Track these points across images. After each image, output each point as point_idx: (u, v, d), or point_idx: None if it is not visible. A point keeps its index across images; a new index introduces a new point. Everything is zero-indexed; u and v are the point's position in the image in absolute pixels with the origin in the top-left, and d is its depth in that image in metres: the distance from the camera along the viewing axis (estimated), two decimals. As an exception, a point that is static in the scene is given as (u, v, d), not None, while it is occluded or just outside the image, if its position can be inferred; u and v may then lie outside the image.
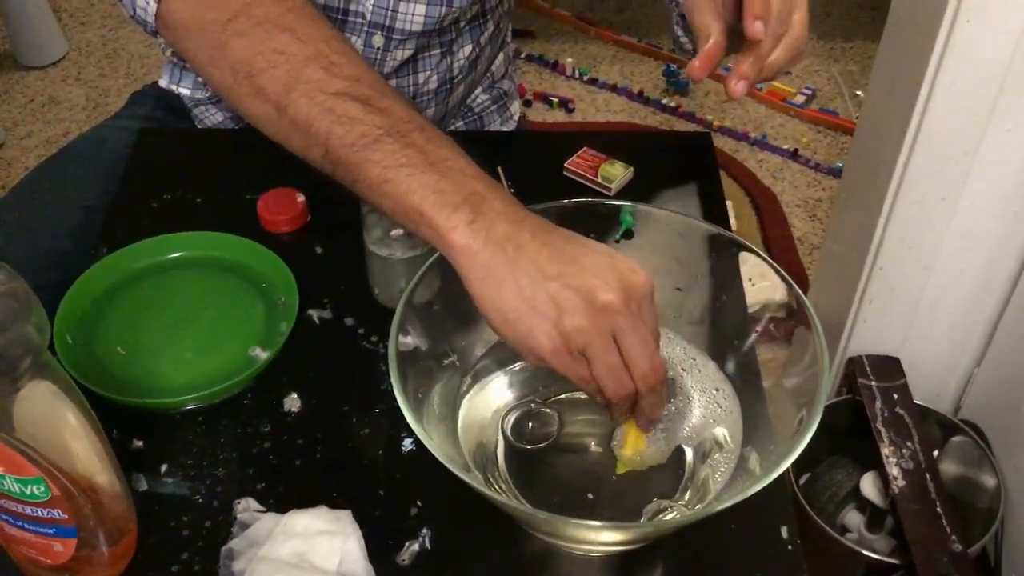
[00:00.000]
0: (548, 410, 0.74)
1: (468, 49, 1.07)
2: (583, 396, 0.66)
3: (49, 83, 2.46)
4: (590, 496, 0.70)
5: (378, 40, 0.99)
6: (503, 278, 0.60)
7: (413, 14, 0.97)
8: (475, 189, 0.63)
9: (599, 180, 0.96)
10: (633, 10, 2.69)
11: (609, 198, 0.94)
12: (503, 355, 0.76)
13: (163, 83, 1.05)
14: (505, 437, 0.72)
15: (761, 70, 0.71)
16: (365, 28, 0.98)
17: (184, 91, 1.08)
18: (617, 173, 0.96)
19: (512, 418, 0.73)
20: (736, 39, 0.71)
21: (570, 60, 2.51)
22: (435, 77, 1.06)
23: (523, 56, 2.54)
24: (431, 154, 0.65)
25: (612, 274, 0.60)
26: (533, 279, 0.60)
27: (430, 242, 0.64)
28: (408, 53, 1.01)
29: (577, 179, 0.97)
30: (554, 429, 0.73)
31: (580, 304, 0.59)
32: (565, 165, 0.98)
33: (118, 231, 0.91)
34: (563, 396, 0.75)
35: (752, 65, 0.70)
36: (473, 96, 1.18)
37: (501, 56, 1.19)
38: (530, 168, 0.99)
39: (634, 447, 0.69)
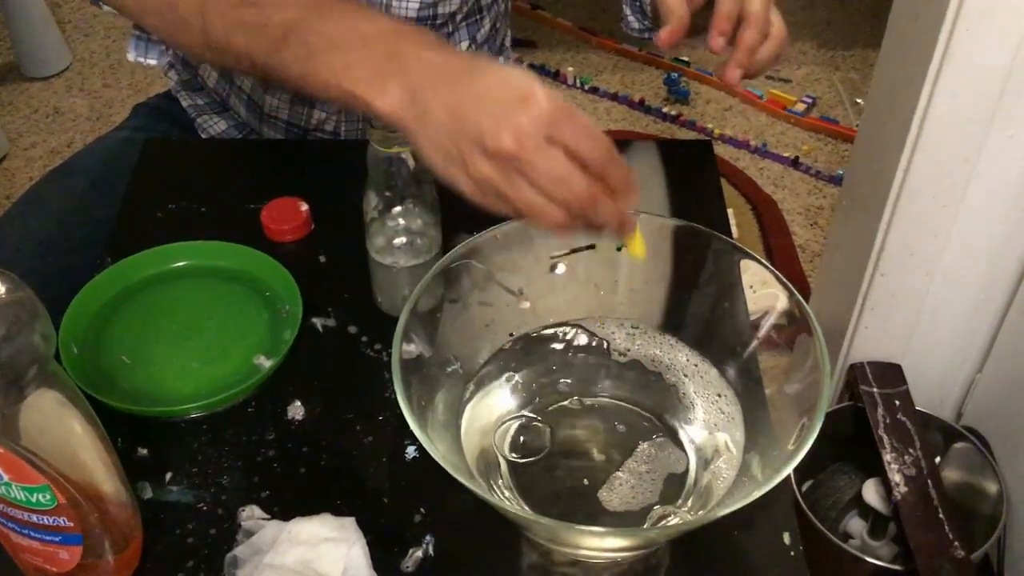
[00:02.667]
0: (540, 424, 0.74)
1: (464, 45, 1.08)
2: (570, 407, 0.67)
3: (53, 94, 2.47)
4: (593, 502, 0.70)
5: None
6: (422, 136, 0.63)
7: (408, 3, 0.98)
8: (378, 53, 0.66)
9: None
10: (634, 19, 2.69)
11: None
12: (506, 362, 0.76)
13: (130, 56, 1.05)
14: (498, 451, 0.72)
15: (751, 62, 0.77)
16: None
17: (152, 62, 1.08)
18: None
19: (506, 431, 0.73)
20: (703, 18, 0.76)
21: (571, 69, 2.52)
22: None
23: (525, 65, 2.55)
24: (333, 32, 0.68)
25: (502, 116, 0.60)
26: (439, 133, 0.62)
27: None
28: None
29: None
30: (546, 441, 0.73)
31: (478, 153, 0.61)
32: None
33: (123, 241, 0.91)
34: (555, 407, 0.75)
35: (745, 56, 0.76)
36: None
37: (501, 60, 1.20)
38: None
39: (640, 242, 0.69)
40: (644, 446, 0.72)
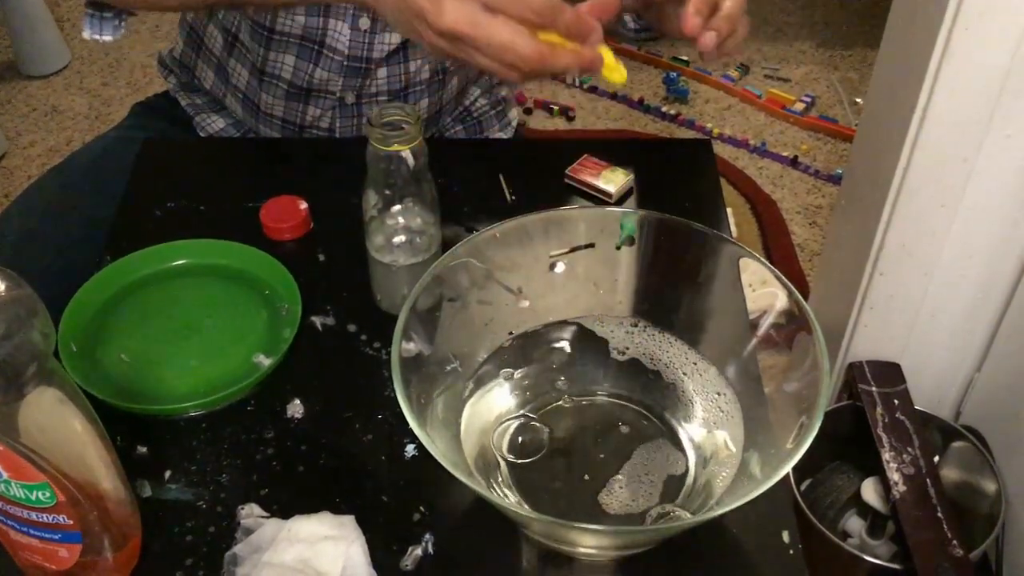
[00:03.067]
0: (538, 423, 0.74)
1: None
2: (569, 406, 0.67)
3: (52, 92, 2.47)
4: (592, 503, 0.70)
5: (364, 22, 1.00)
6: (381, 9, 0.73)
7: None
8: None
9: (600, 187, 0.96)
10: (633, 18, 2.69)
11: (610, 205, 0.95)
12: (505, 360, 0.76)
13: (86, 35, 1.05)
14: (497, 452, 0.72)
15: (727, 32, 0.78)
16: (351, 11, 0.99)
17: (107, 38, 1.08)
18: (618, 180, 0.96)
19: (505, 431, 0.73)
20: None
21: (570, 68, 2.52)
22: (427, 67, 1.06)
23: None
24: None
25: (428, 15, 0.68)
26: (394, 10, 0.72)
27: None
28: (398, 39, 1.02)
29: (578, 186, 0.97)
30: (545, 441, 0.73)
31: (426, 29, 0.69)
32: (566, 172, 0.98)
33: (122, 240, 0.91)
34: (554, 406, 0.75)
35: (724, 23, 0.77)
36: (472, 100, 1.19)
37: None
38: (530, 176, 0.99)
39: (615, 68, 0.71)
40: (642, 449, 0.72)
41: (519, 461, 0.71)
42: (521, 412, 0.75)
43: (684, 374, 0.75)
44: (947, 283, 1.30)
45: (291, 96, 1.07)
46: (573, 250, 0.77)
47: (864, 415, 1.33)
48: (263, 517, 0.70)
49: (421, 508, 0.71)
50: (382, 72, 1.04)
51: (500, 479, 0.70)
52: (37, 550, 0.63)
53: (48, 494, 0.59)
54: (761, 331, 0.72)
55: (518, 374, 0.76)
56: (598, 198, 0.96)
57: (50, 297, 0.60)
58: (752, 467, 0.67)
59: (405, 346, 0.67)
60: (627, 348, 0.77)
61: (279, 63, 1.04)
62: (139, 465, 0.74)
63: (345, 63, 1.02)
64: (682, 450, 0.72)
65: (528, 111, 2.40)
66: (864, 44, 2.60)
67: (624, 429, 0.74)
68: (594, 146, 1.01)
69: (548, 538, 0.68)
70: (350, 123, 1.10)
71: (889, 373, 1.37)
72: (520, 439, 0.73)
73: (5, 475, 0.57)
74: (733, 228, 2.05)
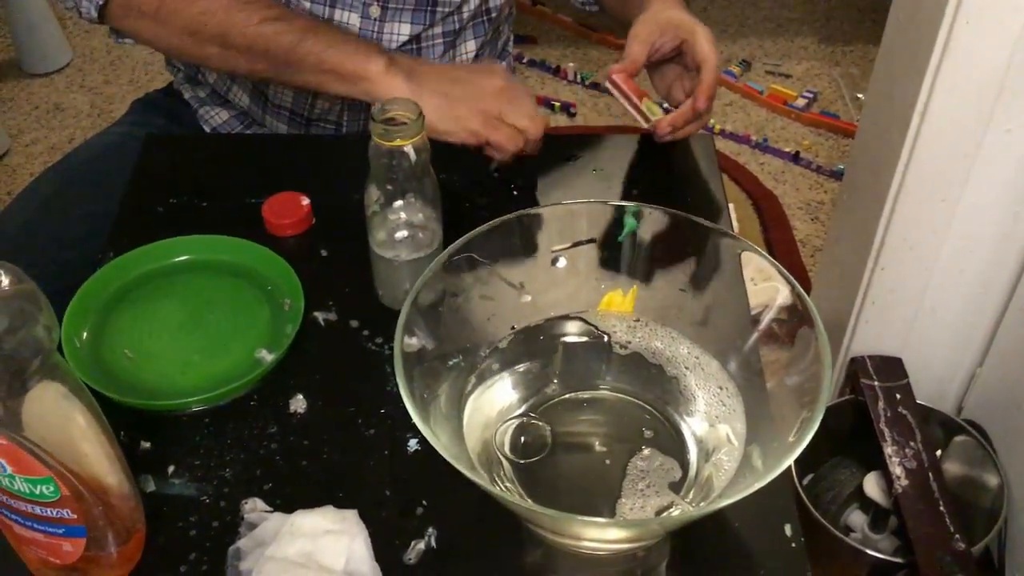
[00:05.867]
0: (540, 422, 0.74)
1: (471, 44, 1.08)
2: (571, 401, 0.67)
3: (54, 90, 2.47)
4: (595, 495, 0.70)
5: (375, 11, 1.00)
6: (420, 98, 0.81)
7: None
8: (380, 48, 0.93)
9: (643, 110, 0.95)
10: (634, 14, 2.69)
11: (641, 131, 0.96)
12: (508, 355, 0.76)
13: (114, 39, 1.05)
14: (501, 452, 0.72)
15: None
16: (361, 0, 0.99)
17: (130, 41, 1.09)
18: (657, 113, 0.96)
19: (506, 431, 0.73)
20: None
21: (571, 65, 2.52)
22: None
23: (525, 61, 2.55)
24: (340, 34, 0.94)
25: (487, 87, 0.93)
26: (436, 96, 0.90)
27: (366, 94, 0.91)
28: (406, 28, 1.02)
29: (619, 94, 0.96)
30: (547, 440, 0.73)
31: (474, 113, 0.91)
32: (611, 75, 0.97)
33: (125, 236, 0.91)
34: (556, 401, 0.75)
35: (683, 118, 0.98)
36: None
37: (503, 64, 1.21)
38: (530, 172, 0.99)
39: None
40: (644, 443, 0.72)
41: (522, 461, 0.71)
42: (523, 411, 0.75)
43: (686, 368, 0.75)
44: (949, 278, 1.30)
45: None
46: (575, 244, 0.77)
47: (866, 410, 1.33)
48: (266, 512, 0.70)
49: (424, 502, 0.71)
50: None
51: (503, 472, 0.70)
52: (41, 544, 0.63)
53: (52, 489, 0.59)
54: (763, 325, 0.72)
55: (520, 369, 0.76)
56: (633, 118, 0.96)
57: (53, 293, 0.60)
58: (754, 461, 0.67)
59: (407, 341, 0.67)
60: (629, 342, 0.77)
61: None
62: (143, 460, 0.74)
63: None
64: (684, 444, 0.72)
65: (529, 107, 2.39)
66: (866, 40, 2.59)
67: (626, 423, 0.74)
68: (597, 141, 1.01)
69: (550, 532, 0.68)
70: (357, 117, 1.10)
71: (891, 368, 1.37)
72: (523, 438, 0.73)
73: (9, 470, 0.58)
74: (735, 224, 2.05)
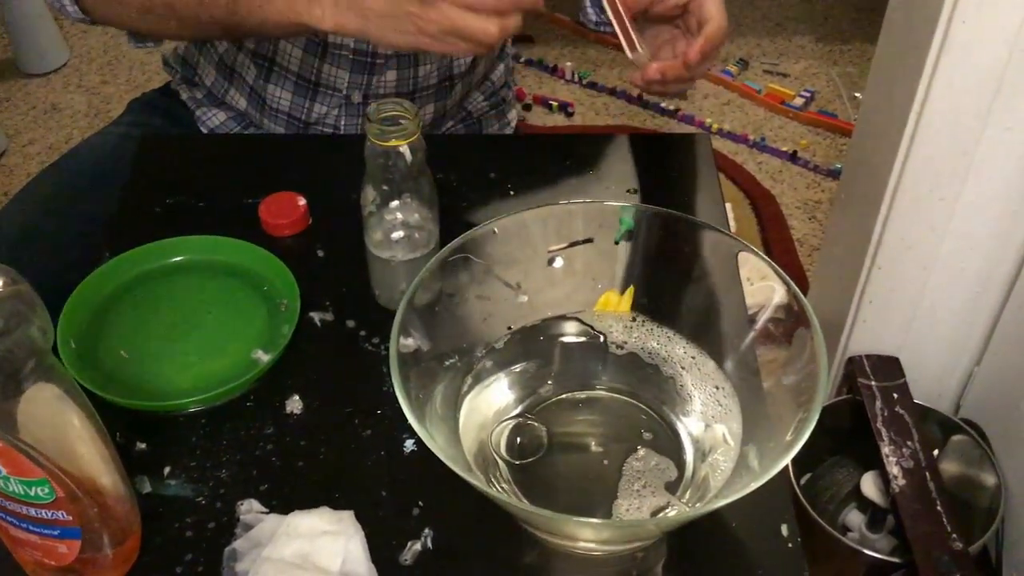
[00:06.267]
0: (536, 423, 0.74)
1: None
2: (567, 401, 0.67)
3: (51, 90, 2.47)
4: (591, 495, 0.70)
5: None
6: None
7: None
8: None
9: (634, 38, 0.89)
10: (632, 14, 2.69)
11: (630, 55, 0.91)
12: (504, 355, 0.76)
13: (132, 46, 1.06)
14: (497, 453, 0.72)
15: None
16: None
17: (150, 45, 1.09)
18: (647, 54, 0.90)
19: (503, 432, 0.73)
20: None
21: (569, 64, 2.52)
22: (436, 73, 1.06)
23: (523, 60, 2.55)
24: None
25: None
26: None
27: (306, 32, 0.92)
28: None
29: (611, 14, 0.88)
30: (543, 441, 0.73)
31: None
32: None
33: (121, 236, 0.91)
34: (552, 401, 0.75)
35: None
36: (471, 100, 1.19)
37: (501, 67, 1.21)
38: (529, 171, 0.99)
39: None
40: (640, 444, 0.72)
41: (518, 462, 0.71)
42: (519, 411, 0.75)
43: (682, 368, 0.75)
44: (946, 277, 1.30)
45: (298, 90, 1.07)
46: (572, 245, 0.77)
47: (863, 409, 1.33)
48: (262, 513, 0.70)
49: (420, 503, 0.71)
50: (391, 75, 1.05)
51: (499, 473, 0.70)
52: (36, 546, 0.63)
53: (47, 490, 0.59)
54: (759, 325, 0.72)
55: (516, 369, 0.76)
56: (623, 49, 0.91)
57: (49, 293, 0.60)
58: (751, 460, 0.67)
59: (403, 342, 0.67)
60: (625, 342, 0.77)
61: (288, 54, 1.04)
62: (138, 461, 0.74)
63: (352, 57, 1.03)
64: (680, 444, 0.72)
65: (527, 107, 2.40)
66: (863, 38, 2.59)
67: (622, 423, 0.74)
68: (594, 141, 1.01)
69: (547, 533, 0.68)
70: (355, 122, 1.10)
71: (888, 367, 1.37)
72: (519, 439, 0.73)
73: (4, 471, 0.57)
74: (732, 223, 2.05)
